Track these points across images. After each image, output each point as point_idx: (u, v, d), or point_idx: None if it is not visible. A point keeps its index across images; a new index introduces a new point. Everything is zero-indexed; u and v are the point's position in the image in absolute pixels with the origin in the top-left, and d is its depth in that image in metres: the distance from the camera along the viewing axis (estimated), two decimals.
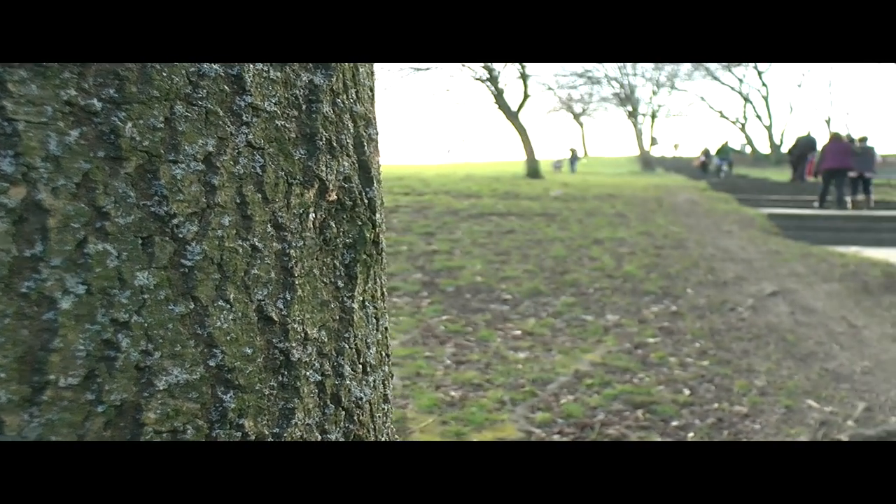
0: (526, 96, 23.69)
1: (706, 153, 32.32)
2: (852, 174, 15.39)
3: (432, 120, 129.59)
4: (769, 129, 44.28)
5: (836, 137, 15.72)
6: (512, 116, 23.34)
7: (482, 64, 21.25)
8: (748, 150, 42.40)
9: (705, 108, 53.23)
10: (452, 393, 4.39)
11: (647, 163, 38.58)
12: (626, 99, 43.80)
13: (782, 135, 44.25)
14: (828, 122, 45.31)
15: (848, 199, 15.43)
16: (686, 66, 41.61)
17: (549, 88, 29.40)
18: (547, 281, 7.43)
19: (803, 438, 3.84)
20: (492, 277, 7.48)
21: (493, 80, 22.84)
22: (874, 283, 8.02)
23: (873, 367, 5.36)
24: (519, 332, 5.83)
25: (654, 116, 47.13)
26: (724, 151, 29.85)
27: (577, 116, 57.40)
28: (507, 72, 23.43)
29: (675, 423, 4.02)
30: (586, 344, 5.55)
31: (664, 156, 47.93)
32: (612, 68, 40.69)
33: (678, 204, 14.39)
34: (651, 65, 40.80)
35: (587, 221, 11.23)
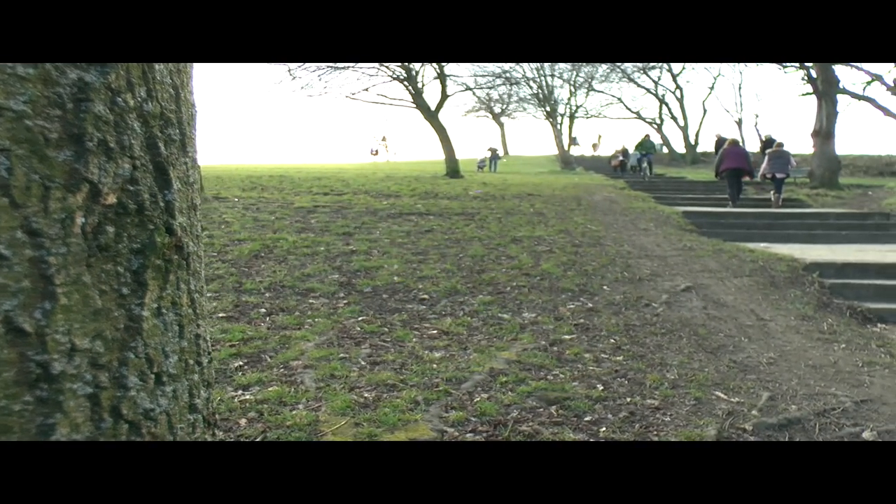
0: (444, 96, 23.74)
1: (624, 152, 32.93)
2: (768, 175, 17.00)
3: (354, 119, 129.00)
4: (684, 129, 45.42)
5: (734, 142, 17.72)
6: (431, 116, 23.37)
7: (399, 63, 21.22)
8: (665, 150, 43.45)
9: (623, 109, 54.27)
10: (366, 394, 4.34)
11: (566, 162, 39.18)
12: (545, 100, 44.35)
13: (697, 135, 45.40)
14: (739, 123, 46.76)
15: (772, 196, 17.10)
16: (602, 68, 42.37)
17: (468, 88, 29.41)
18: (464, 280, 7.44)
19: (711, 429, 3.91)
20: (409, 277, 7.45)
21: (410, 79, 22.82)
22: (780, 278, 8.30)
23: (778, 357, 5.53)
24: (435, 332, 5.81)
25: (572, 117, 47.84)
26: (645, 146, 26.48)
27: (496, 117, 57.92)
28: (426, 71, 23.36)
29: (588, 418, 4.05)
30: (502, 342, 5.57)
31: (584, 155, 48.73)
32: (529, 69, 41.19)
33: (596, 202, 14.63)
34: (568, 66, 41.44)
35: (506, 220, 11.31)
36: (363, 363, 4.96)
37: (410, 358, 5.09)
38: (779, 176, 16.92)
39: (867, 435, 3.99)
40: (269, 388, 4.37)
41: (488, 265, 8.14)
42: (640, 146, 26.49)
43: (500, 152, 48.29)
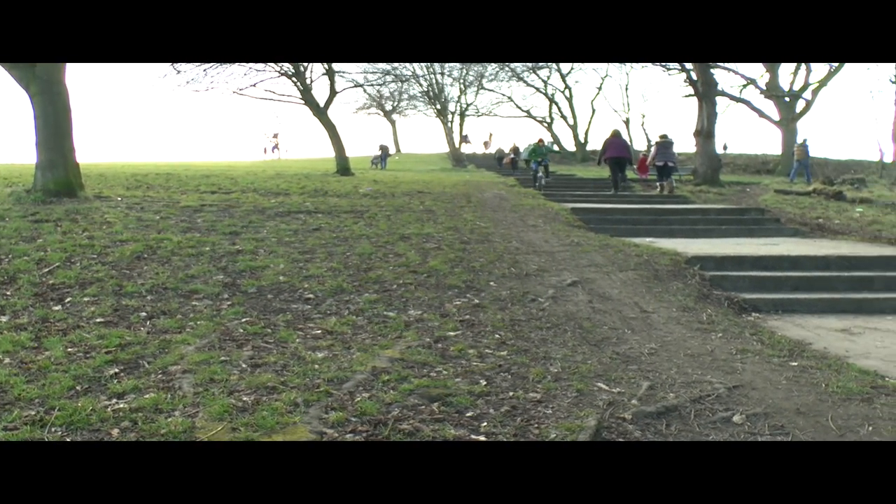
0: (333, 93, 23.55)
1: (515, 151, 33.54)
2: (659, 163, 19.34)
3: (245, 115, 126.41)
4: (574, 128, 46.78)
5: (616, 133, 19.69)
6: (320, 113, 23.14)
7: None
8: (556, 148, 44.60)
9: (513, 108, 54.78)
10: (245, 398, 4.22)
11: (458, 160, 39.55)
12: (435, 97, 44.65)
13: (586, 134, 46.73)
14: (627, 122, 48.40)
15: (663, 184, 19.36)
16: (492, 67, 42.94)
17: (358, 85, 29.15)
18: (351, 278, 7.37)
19: (591, 420, 3.99)
20: (295, 276, 7.33)
21: (298, 75, 22.52)
22: (663, 271, 8.59)
23: (658, 348, 5.71)
24: (319, 332, 5.73)
25: (462, 115, 48.27)
26: (539, 152, 21.87)
27: (387, 114, 57.89)
28: (314, 67, 23.04)
29: (469, 414, 4.07)
30: (387, 340, 5.54)
31: (475, 153, 49.28)
32: (419, 67, 41.38)
33: (486, 200, 14.79)
34: (458, 64, 41.81)
35: (395, 218, 11.29)
36: (244, 366, 4.83)
37: (293, 359, 5.00)
38: (669, 164, 19.33)
39: (737, 419, 4.17)
40: (146, 396, 4.20)
41: (376, 263, 8.10)
42: (533, 153, 22.04)
43: (392, 150, 48.34)
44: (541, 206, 14.21)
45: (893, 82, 31.69)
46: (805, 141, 29.17)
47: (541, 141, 23.55)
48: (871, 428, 4.12)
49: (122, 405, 4.05)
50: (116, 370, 4.67)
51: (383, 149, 40.21)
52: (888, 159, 32.90)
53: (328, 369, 4.76)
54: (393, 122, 60.89)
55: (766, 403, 4.49)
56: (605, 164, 19.33)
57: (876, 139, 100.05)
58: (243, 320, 5.96)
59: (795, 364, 5.48)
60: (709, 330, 6.44)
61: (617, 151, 18.95)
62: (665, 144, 19.66)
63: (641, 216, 14.48)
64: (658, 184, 19.62)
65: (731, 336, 6.28)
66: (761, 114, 35.69)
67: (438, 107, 44.55)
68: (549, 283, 7.62)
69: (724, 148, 46.82)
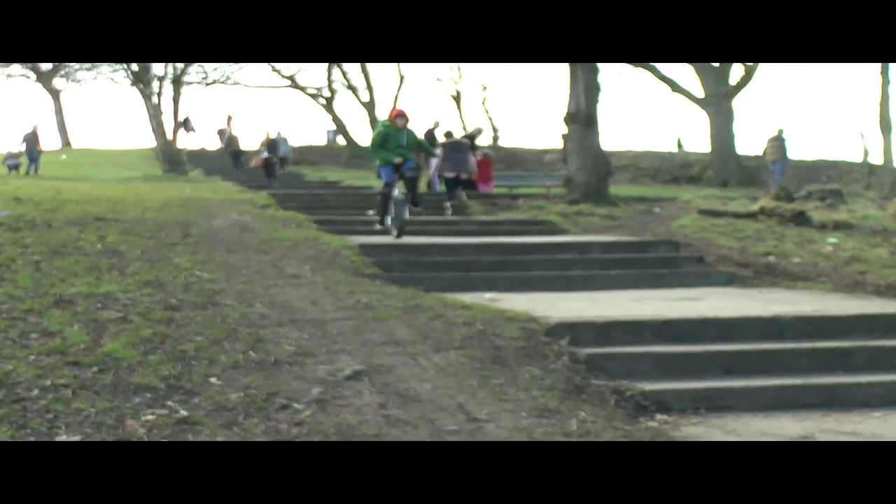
0: None
1: (270, 145, 33.52)
2: (449, 174, 21.79)
3: None
4: (370, 106, 48.37)
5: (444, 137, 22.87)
6: None
7: None
8: (341, 139, 45.49)
9: (269, 72, 53.68)
10: None
11: (173, 160, 38.93)
12: None
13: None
14: (457, 97, 51.27)
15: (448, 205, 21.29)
16: None
17: None
18: None
19: None
20: None
21: None
22: (510, 349, 8.71)
23: None
24: None
25: (178, 83, 47.64)
26: (395, 141, 17.31)
27: (43, 77, 56.40)
28: None
29: None
30: None
31: (205, 148, 48.90)
32: None
33: (218, 231, 14.71)
34: None
35: (49, 266, 11.04)
36: None
37: None
38: (463, 176, 21.44)
39: None
40: None
41: (3, 351, 7.74)
42: (379, 147, 17.93)
43: (61, 142, 47.27)
44: (310, 241, 14.26)
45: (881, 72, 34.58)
46: (781, 132, 30.90)
47: (397, 115, 18.19)
48: None
49: None
50: None
51: (29, 140, 38.98)
52: (876, 158, 35.09)
53: None
54: (56, 95, 59.41)
55: None
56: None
57: (859, 130, 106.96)
58: None
59: None
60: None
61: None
62: (456, 146, 21.70)
63: (478, 255, 14.77)
64: (446, 203, 20.86)
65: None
66: (675, 87, 36.99)
67: (135, 68, 43.70)
68: (315, 377, 7.57)
69: (679, 146, 48.96)
